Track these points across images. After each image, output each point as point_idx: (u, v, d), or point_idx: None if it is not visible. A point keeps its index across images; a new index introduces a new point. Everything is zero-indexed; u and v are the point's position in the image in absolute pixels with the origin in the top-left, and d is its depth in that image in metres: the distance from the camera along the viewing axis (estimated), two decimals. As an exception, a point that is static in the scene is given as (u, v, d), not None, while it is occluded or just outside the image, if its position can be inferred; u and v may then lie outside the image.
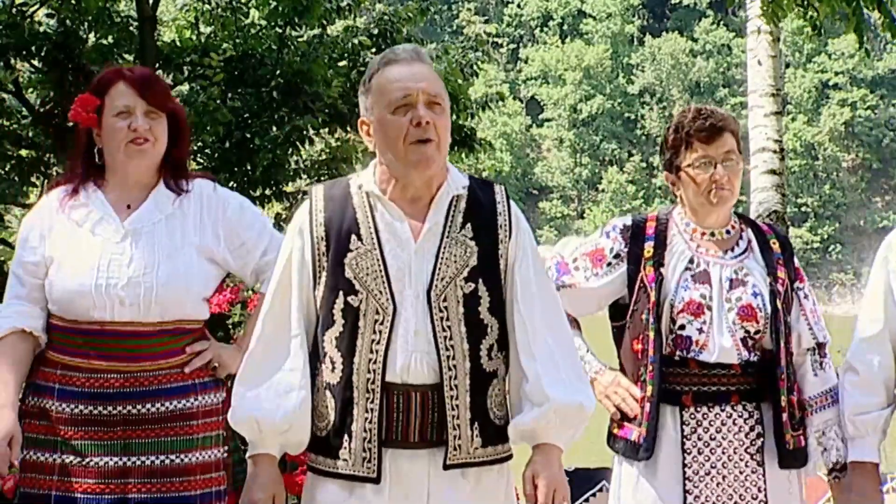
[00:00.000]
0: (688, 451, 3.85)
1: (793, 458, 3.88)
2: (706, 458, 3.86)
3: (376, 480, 3.29)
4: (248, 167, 9.28)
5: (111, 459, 3.64)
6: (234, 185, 9.46)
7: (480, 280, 3.35)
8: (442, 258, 3.33)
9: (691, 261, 3.93)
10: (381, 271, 3.30)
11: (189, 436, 3.71)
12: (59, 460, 3.64)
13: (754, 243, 4.01)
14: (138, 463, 3.66)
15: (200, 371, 3.77)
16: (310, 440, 3.38)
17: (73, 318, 3.68)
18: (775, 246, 4.03)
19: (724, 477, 3.86)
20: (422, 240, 3.33)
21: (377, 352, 3.28)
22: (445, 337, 3.30)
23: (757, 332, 3.88)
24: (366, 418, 3.29)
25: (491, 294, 3.37)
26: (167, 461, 3.68)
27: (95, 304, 3.64)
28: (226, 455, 3.80)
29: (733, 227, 4.02)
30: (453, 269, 3.33)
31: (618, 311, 4.03)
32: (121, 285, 3.65)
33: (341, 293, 3.31)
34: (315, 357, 3.37)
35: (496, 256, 3.39)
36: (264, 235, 3.88)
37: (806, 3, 7.97)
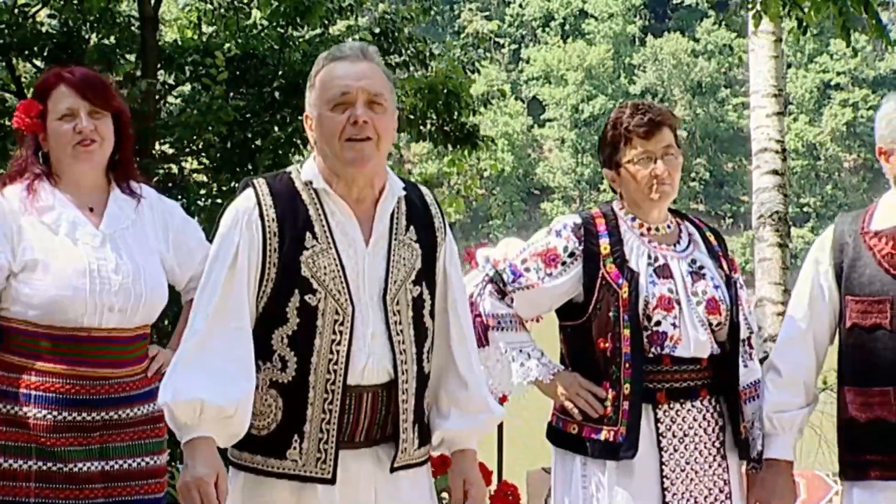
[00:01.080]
0: (664, 448, 3.88)
1: (745, 448, 3.96)
2: (681, 455, 3.90)
3: (332, 481, 3.28)
4: (250, 167, 9.26)
5: (92, 464, 3.64)
6: (236, 184, 9.44)
7: (424, 283, 3.39)
8: (393, 261, 3.35)
9: (650, 256, 3.95)
10: (339, 271, 3.30)
11: (159, 438, 3.78)
12: (36, 467, 3.61)
13: (696, 237, 4.05)
14: (116, 467, 3.67)
15: (157, 375, 3.81)
16: (242, 439, 3.34)
17: (52, 324, 3.63)
18: (712, 238, 4.07)
19: (696, 472, 3.91)
20: (373, 242, 3.34)
21: (338, 352, 3.27)
22: (399, 340, 3.32)
23: (719, 324, 3.95)
24: (323, 419, 3.28)
25: (431, 297, 3.42)
26: (143, 463, 3.73)
27: (87, 311, 3.63)
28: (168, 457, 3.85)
29: (672, 222, 4.05)
30: (403, 273, 3.35)
31: (571, 310, 3.98)
32: (113, 291, 3.65)
33: (297, 291, 3.29)
34: (257, 355, 3.33)
35: (434, 259, 3.43)
36: (203, 244, 3.96)
37: (792, 3, 7.97)
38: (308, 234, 3.32)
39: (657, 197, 3.94)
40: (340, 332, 3.29)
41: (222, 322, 3.31)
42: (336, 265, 3.31)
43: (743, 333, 4.02)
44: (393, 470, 3.36)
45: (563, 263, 3.96)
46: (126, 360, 3.74)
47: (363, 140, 3.30)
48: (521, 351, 3.99)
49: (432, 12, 10.87)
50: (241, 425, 3.30)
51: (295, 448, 3.30)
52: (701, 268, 3.97)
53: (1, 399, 3.67)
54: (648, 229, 3.99)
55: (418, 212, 3.46)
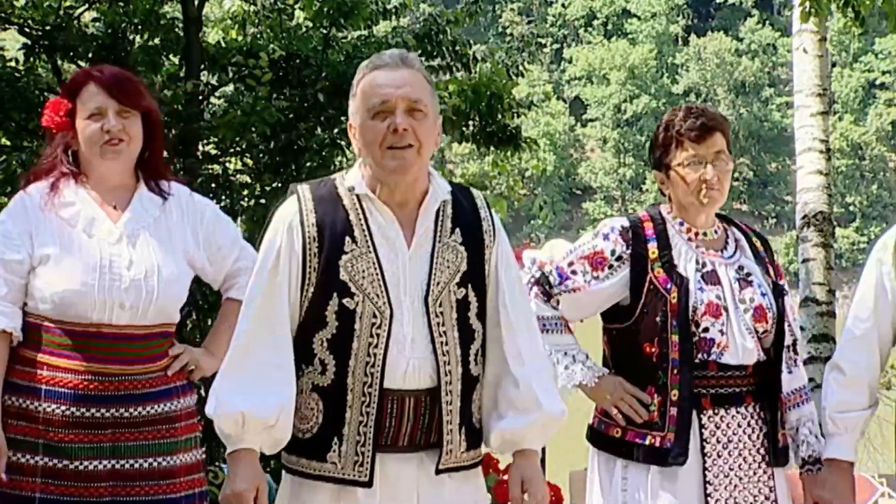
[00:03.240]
0: (708, 454, 3.86)
1: (784, 455, 3.92)
2: (724, 461, 3.88)
3: (368, 484, 3.29)
4: (294, 168, 9.28)
5: (100, 462, 3.62)
6: (280, 185, 9.47)
7: (470, 286, 3.38)
8: (436, 264, 3.35)
9: (698, 261, 3.93)
10: (377, 275, 3.31)
11: (174, 438, 3.74)
12: (42, 462, 3.62)
13: (743, 242, 4.02)
14: (126, 466, 3.65)
15: (179, 374, 3.78)
16: (289, 442, 3.37)
17: (66, 319, 3.64)
18: (758, 244, 4.04)
19: (740, 479, 3.89)
20: (415, 245, 3.35)
21: (375, 356, 3.29)
22: (442, 343, 3.32)
23: (765, 331, 3.91)
24: (360, 422, 3.30)
25: (478, 300, 3.40)
26: (154, 464, 3.69)
27: (95, 307, 3.62)
28: (203, 456, 3.83)
29: (719, 227, 4.02)
30: (447, 275, 3.35)
31: (617, 313, 3.97)
32: (123, 287, 3.65)
33: (335, 295, 3.31)
34: (299, 358, 3.36)
35: (483, 262, 3.41)
36: (237, 243, 3.93)
37: (846, -1, 7.92)
38: (347, 239, 3.34)
39: (706, 201, 3.91)
40: (378, 335, 3.30)
41: (264, 328, 3.36)
42: (375, 268, 3.32)
43: (787, 340, 3.98)
44: (438, 472, 3.35)
45: (610, 267, 3.93)
46: (140, 357, 3.72)
47: (404, 148, 3.31)
48: (566, 354, 3.97)
49: (477, 15, 10.81)
50: (283, 432, 3.35)
51: (334, 451, 3.32)
52: (748, 274, 3.94)
53: (14, 392, 3.67)
54: (696, 234, 3.97)
55: (466, 214, 3.45)
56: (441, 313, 3.33)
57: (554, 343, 3.96)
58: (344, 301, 3.32)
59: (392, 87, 3.33)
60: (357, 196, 3.39)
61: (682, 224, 3.97)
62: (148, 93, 3.92)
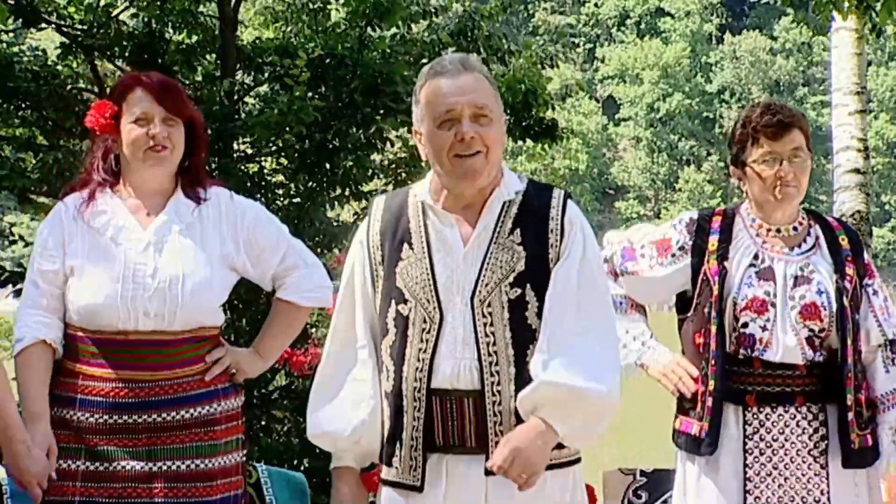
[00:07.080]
0: (749, 451, 3.86)
1: (859, 457, 3.85)
2: (768, 459, 3.86)
3: (420, 489, 3.31)
4: (329, 167, 9.29)
5: (137, 464, 3.65)
6: (314, 185, 9.48)
7: (528, 285, 3.34)
8: (487, 264, 3.33)
9: (756, 256, 3.93)
10: (429, 280, 3.32)
11: (213, 441, 3.75)
12: (83, 467, 3.65)
13: (822, 240, 3.99)
14: (164, 468, 3.68)
15: (220, 377, 3.79)
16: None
17: (94, 329, 3.67)
18: (844, 242, 3.98)
19: (785, 479, 3.87)
20: (470, 245, 3.35)
21: (423, 360, 3.31)
22: (488, 343, 3.30)
23: (822, 330, 3.85)
24: (413, 426, 3.32)
25: (539, 299, 3.35)
26: (192, 466, 3.71)
27: (120, 316, 3.64)
28: (244, 458, 3.84)
29: (800, 224, 4.01)
30: (498, 275, 3.32)
31: (684, 303, 4.02)
32: (147, 297, 3.65)
33: (393, 302, 3.35)
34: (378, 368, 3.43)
35: (546, 261, 3.37)
36: (282, 242, 3.91)
37: (865, 4, 7.88)
38: (405, 246, 3.38)
39: (780, 198, 3.92)
40: (427, 341, 3.32)
41: (342, 344, 3.45)
42: (427, 273, 3.34)
43: (876, 339, 3.95)
44: (487, 474, 3.29)
45: (673, 255, 4.01)
46: (171, 362, 3.72)
47: (472, 155, 3.32)
48: (627, 332, 4.03)
49: (512, 8, 10.78)
50: (371, 445, 3.40)
51: (397, 455, 3.37)
52: (812, 272, 3.92)
53: (54, 403, 3.70)
54: (768, 230, 3.97)
55: (532, 214, 3.41)
56: (489, 313, 3.31)
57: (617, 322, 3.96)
58: (399, 307, 3.36)
59: (457, 95, 3.32)
60: (421, 203, 3.43)
61: (755, 220, 3.98)
62: (190, 102, 3.93)
